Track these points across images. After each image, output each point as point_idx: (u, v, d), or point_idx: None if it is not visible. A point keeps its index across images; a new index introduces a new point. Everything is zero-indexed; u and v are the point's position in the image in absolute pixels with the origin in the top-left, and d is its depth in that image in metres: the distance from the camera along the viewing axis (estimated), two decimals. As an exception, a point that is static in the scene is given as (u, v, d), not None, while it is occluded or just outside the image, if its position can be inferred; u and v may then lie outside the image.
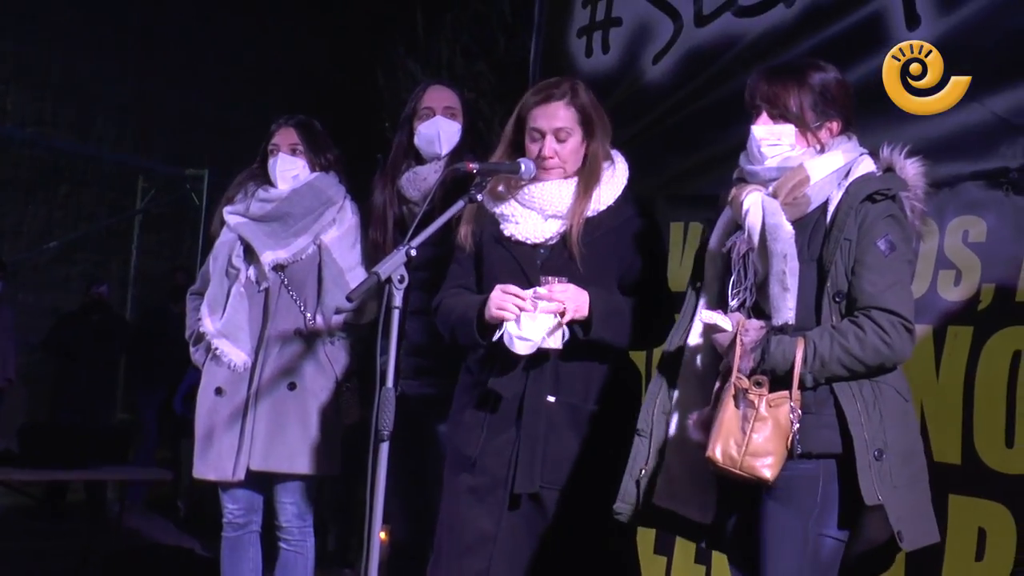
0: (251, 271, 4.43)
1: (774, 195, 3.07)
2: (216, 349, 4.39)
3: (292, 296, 4.37)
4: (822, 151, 3.11)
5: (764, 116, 3.13)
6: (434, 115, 4.25)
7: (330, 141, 4.58)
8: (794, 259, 3.00)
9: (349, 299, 3.52)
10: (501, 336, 3.45)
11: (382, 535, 3.26)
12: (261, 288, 4.40)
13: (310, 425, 4.31)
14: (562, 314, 3.42)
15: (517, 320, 3.42)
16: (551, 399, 3.52)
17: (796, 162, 3.09)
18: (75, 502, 9.72)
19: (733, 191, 3.17)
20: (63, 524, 9.11)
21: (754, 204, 3.07)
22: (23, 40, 11.34)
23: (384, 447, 3.17)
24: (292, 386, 4.32)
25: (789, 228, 3.02)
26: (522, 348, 3.43)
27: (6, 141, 11.42)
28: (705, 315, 3.09)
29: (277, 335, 4.37)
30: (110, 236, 12.49)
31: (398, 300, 3.22)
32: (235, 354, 4.37)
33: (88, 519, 8.70)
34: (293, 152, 4.46)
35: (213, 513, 4.62)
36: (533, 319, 3.42)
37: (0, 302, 9.81)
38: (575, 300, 3.44)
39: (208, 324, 4.41)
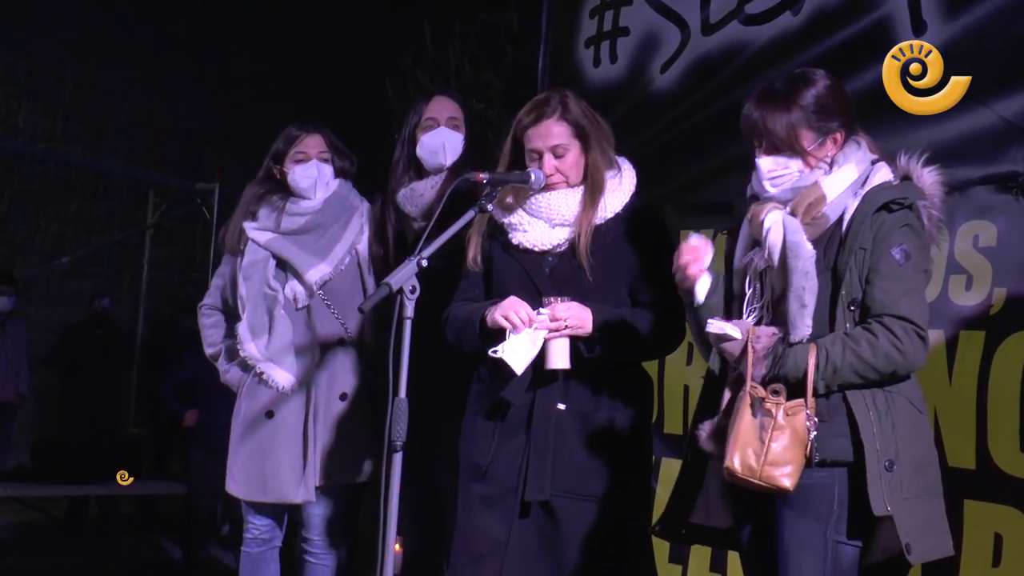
0: (288, 290, 4.34)
1: (792, 214, 3.07)
2: (262, 374, 4.31)
3: (332, 310, 4.32)
4: (832, 165, 3.09)
5: (765, 148, 3.12)
6: (438, 126, 4.25)
7: (346, 146, 4.53)
8: (814, 277, 2.99)
9: (361, 310, 3.52)
10: (496, 352, 3.45)
11: (396, 547, 3.26)
12: (300, 306, 4.33)
13: (360, 434, 4.27)
14: (562, 329, 3.43)
15: (516, 331, 3.43)
16: (561, 406, 3.52)
17: (810, 180, 3.08)
18: (93, 517, 9.73)
19: (752, 208, 3.15)
20: (77, 539, 9.12)
21: (775, 223, 3.06)
22: (34, 56, 11.39)
23: (397, 458, 3.17)
24: (343, 396, 4.29)
25: (810, 247, 3.01)
26: (519, 367, 3.44)
27: (18, 156, 11.46)
28: (714, 325, 3.07)
29: (324, 350, 4.32)
30: (121, 250, 12.52)
31: (410, 311, 3.21)
32: (282, 377, 4.29)
33: (102, 533, 8.72)
34: (323, 160, 4.40)
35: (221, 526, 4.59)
36: (532, 337, 3.43)
37: (12, 317, 9.84)
38: (578, 317, 3.45)
39: (252, 349, 4.32)
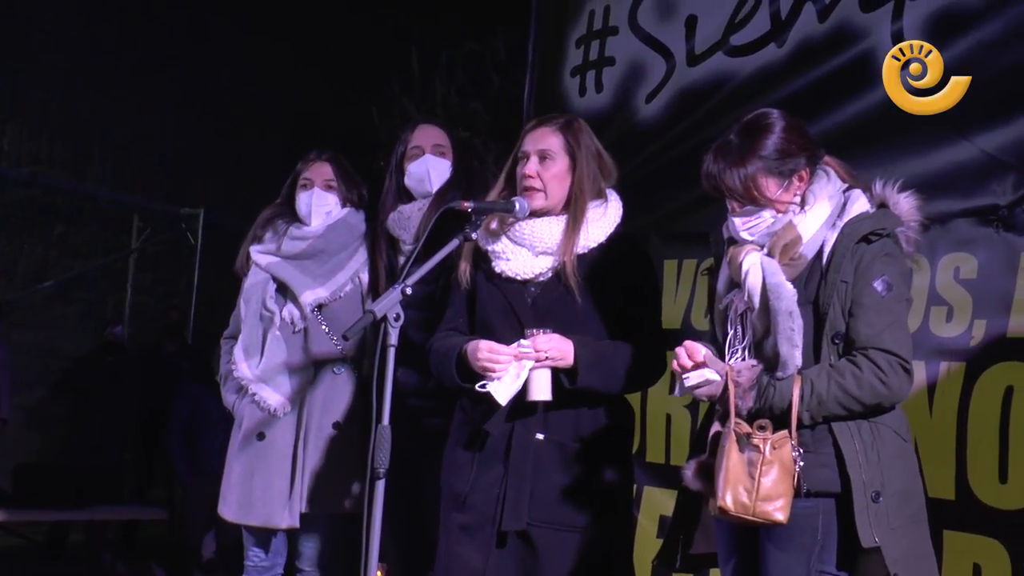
0: (286, 312, 4.31)
1: (769, 255, 3.07)
2: (254, 395, 4.29)
3: (331, 336, 4.28)
4: (803, 204, 3.10)
5: (733, 205, 3.13)
6: (423, 154, 4.26)
7: (359, 178, 4.51)
8: (799, 316, 3.00)
9: (345, 337, 3.51)
10: (484, 386, 3.45)
11: (379, 574, 3.25)
12: (297, 329, 4.30)
13: (352, 463, 4.21)
14: (543, 360, 3.43)
15: (499, 378, 3.44)
16: (539, 436, 3.51)
17: (784, 222, 3.08)
18: (73, 543, 9.66)
19: (731, 251, 3.15)
20: (58, 565, 9.06)
21: (753, 265, 3.06)
22: (20, 79, 11.38)
23: (380, 485, 3.17)
24: (336, 426, 4.25)
25: (791, 287, 3.01)
26: (503, 399, 3.44)
27: (2, 180, 11.45)
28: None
29: (319, 376, 4.29)
30: (105, 275, 12.50)
31: (394, 338, 3.22)
32: (274, 399, 4.26)
33: (85, 560, 8.66)
34: (327, 188, 4.39)
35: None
36: (517, 369, 3.43)
37: (-5, 341, 9.83)
38: (559, 349, 3.45)
39: (244, 370, 4.31)
